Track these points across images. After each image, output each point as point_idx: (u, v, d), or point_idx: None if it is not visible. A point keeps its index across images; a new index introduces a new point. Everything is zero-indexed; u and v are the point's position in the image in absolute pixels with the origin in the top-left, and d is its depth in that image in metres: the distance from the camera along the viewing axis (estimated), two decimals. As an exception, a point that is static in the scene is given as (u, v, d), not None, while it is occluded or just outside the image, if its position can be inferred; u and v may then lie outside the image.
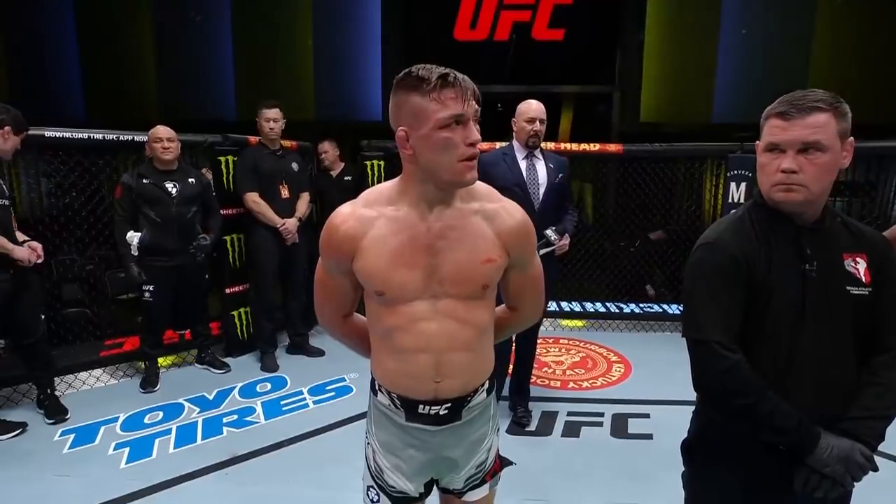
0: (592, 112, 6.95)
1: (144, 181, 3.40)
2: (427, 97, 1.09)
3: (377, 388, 1.33)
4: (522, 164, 2.92)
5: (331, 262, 1.27)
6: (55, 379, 3.28)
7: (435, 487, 1.41)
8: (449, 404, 1.27)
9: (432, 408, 1.26)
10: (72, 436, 2.96)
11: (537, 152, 2.97)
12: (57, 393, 3.27)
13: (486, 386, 1.34)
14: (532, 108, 2.91)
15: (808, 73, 6.13)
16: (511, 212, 1.26)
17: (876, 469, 1.17)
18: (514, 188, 2.82)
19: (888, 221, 4.45)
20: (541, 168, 2.96)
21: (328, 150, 4.69)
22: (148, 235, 3.39)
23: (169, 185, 3.44)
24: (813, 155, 1.15)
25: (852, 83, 5.83)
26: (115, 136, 3.58)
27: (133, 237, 3.37)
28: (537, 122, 2.88)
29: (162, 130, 3.43)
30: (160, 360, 3.80)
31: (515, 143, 2.97)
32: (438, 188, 1.17)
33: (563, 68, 6.48)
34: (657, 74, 6.46)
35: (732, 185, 4.35)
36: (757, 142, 1.25)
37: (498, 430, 1.44)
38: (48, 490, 2.48)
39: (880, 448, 1.19)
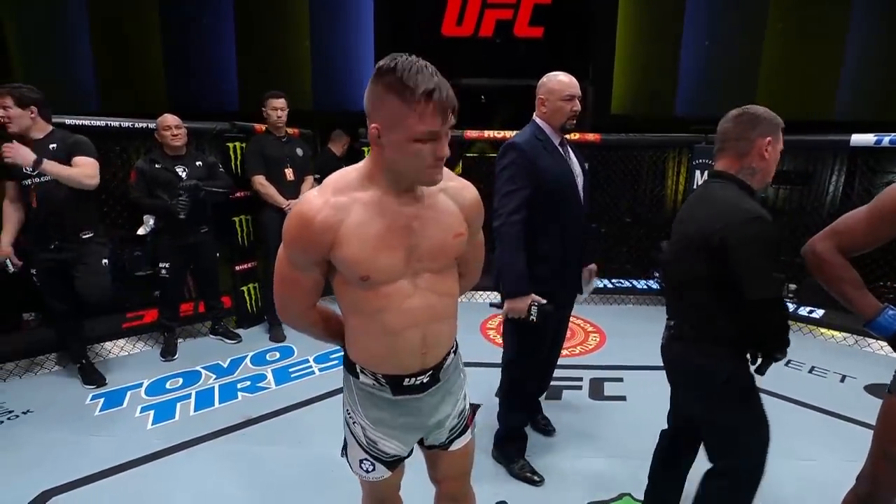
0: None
1: (157, 166, 3.36)
2: (408, 106, 0.99)
3: (358, 370, 1.26)
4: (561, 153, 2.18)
5: (299, 256, 1.14)
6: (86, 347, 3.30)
7: (417, 447, 1.40)
8: (430, 371, 1.27)
9: (417, 378, 1.25)
10: (101, 400, 2.98)
11: (565, 138, 2.23)
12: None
13: (454, 347, 1.36)
14: (570, 83, 2.13)
15: (759, 74, 6.25)
16: (468, 188, 1.26)
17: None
18: (566, 186, 2.12)
19: (823, 206, 4.60)
20: (573, 158, 2.22)
21: (346, 142, 4.75)
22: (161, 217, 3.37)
23: (179, 169, 3.41)
24: None
25: (794, 85, 6.06)
26: (130, 124, 3.53)
27: (148, 219, 3.34)
28: (577, 101, 2.14)
29: (169, 119, 3.38)
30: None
31: (545, 126, 2.16)
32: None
33: (542, 64, 6.46)
34: (626, 71, 6.50)
35: (697, 172, 4.44)
36: (769, 139, 1.51)
37: (463, 375, 1.43)
38: (84, 449, 2.51)
39: (766, 387, 1.45)
